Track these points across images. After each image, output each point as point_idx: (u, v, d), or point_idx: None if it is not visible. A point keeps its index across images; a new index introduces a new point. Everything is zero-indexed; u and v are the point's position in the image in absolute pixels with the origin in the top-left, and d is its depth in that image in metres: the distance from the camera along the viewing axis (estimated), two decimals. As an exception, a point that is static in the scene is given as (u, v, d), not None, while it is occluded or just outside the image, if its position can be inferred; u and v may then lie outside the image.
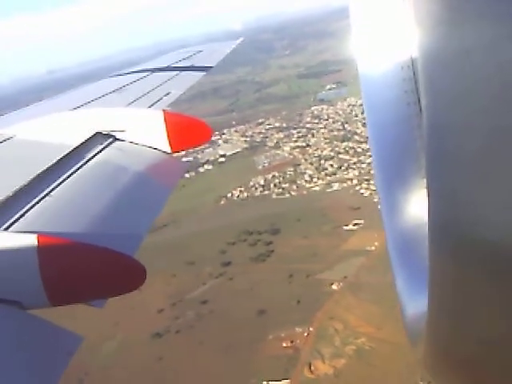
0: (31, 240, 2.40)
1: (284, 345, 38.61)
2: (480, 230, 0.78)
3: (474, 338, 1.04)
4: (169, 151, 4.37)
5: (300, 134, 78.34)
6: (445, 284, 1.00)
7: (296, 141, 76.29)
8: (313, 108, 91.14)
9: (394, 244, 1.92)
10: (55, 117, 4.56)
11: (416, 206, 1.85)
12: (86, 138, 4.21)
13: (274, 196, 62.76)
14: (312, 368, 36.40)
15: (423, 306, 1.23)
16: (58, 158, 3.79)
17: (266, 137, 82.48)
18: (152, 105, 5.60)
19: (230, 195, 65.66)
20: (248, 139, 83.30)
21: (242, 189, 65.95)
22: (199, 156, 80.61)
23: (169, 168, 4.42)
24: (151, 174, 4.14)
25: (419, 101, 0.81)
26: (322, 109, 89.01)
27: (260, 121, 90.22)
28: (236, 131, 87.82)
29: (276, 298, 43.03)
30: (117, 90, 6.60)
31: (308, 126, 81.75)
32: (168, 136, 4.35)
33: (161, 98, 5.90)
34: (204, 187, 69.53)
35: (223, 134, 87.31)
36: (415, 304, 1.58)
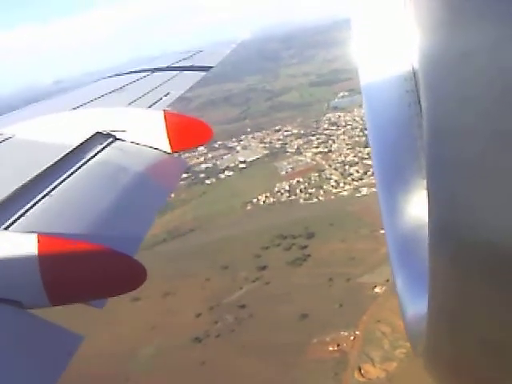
0: (31, 240, 2.39)
1: (330, 348, 38.14)
2: (480, 231, 0.78)
3: (473, 340, 1.04)
4: (169, 151, 4.37)
5: (320, 141, 78.24)
6: (445, 285, 1.00)
7: (317, 147, 76.17)
8: (329, 115, 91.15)
9: (394, 245, 1.92)
10: (55, 117, 4.57)
11: (416, 206, 1.84)
12: (85, 138, 4.20)
13: (301, 201, 62.46)
14: (362, 372, 35.93)
15: (423, 308, 1.23)
16: (58, 157, 3.79)
17: (286, 143, 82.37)
18: (152, 105, 5.57)
19: (255, 200, 65.35)
20: (267, 145, 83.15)
21: (268, 194, 65.65)
22: (218, 162, 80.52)
23: (169, 168, 4.43)
24: (151, 173, 4.14)
25: (420, 100, 0.75)
26: (339, 116, 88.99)
27: (277, 128, 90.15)
28: (253, 138, 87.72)
29: (317, 301, 42.62)
30: (117, 89, 6.58)
31: (326, 132, 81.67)
32: (168, 136, 4.35)
33: (161, 98, 5.88)
34: (227, 193, 69.25)
35: (241, 140, 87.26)
36: (415, 305, 1.58)
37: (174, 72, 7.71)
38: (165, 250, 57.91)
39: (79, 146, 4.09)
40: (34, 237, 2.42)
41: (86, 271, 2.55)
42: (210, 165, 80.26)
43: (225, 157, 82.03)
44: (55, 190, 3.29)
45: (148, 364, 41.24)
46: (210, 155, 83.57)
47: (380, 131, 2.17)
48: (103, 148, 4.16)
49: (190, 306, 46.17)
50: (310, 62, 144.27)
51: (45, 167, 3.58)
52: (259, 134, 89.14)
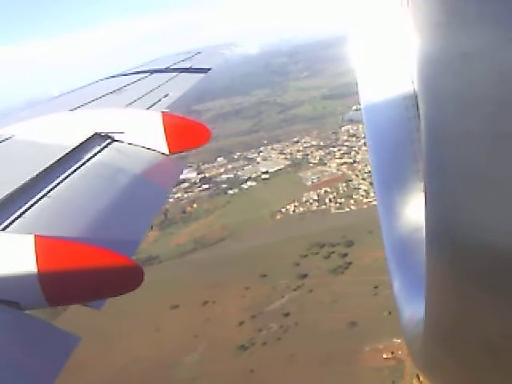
0: (29, 241, 2.39)
1: (384, 356, 37.65)
2: (476, 234, 0.79)
3: (470, 342, 1.05)
4: (167, 152, 4.37)
5: (342, 152, 78.32)
6: (441, 288, 1.01)
7: (341, 157, 76.21)
8: (346, 127, 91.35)
9: (392, 247, 1.93)
10: (54, 117, 4.55)
11: (413, 209, 1.84)
12: (84, 139, 4.19)
13: (332, 210, 62.28)
14: (421, 379, 35.41)
15: (420, 309, 1.25)
16: (57, 158, 3.77)
17: (307, 154, 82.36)
18: (151, 106, 5.56)
19: (284, 210, 65.13)
20: (288, 156, 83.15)
21: (296, 204, 65.45)
22: (239, 173, 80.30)
23: (167, 169, 4.42)
24: (149, 174, 4.13)
25: (417, 104, 0.80)
26: (358, 127, 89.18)
27: (295, 139, 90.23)
28: (273, 149, 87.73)
29: (364, 309, 42.19)
30: (115, 91, 6.64)
31: (347, 144, 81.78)
32: (166, 137, 4.36)
33: (159, 100, 5.88)
34: (253, 203, 68.96)
35: (260, 151, 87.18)
36: (412, 307, 1.58)
37: (173, 73, 7.70)
38: (197, 259, 57.46)
39: (77, 146, 4.06)
40: (32, 238, 2.40)
41: (83, 272, 2.52)
42: (231, 175, 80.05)
43: (245, 168, 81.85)
44: (53, 191, 3.27)
45: (194, 371, 40.63)
46: (230, 166, 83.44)
47: (378, 134, 2.15)
48: (101, 149, 4.15)
49: (231, 314, 45.65)
50: (319, 76, 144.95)
51: (43, 168, 3.55)
52: (278, 145, 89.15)
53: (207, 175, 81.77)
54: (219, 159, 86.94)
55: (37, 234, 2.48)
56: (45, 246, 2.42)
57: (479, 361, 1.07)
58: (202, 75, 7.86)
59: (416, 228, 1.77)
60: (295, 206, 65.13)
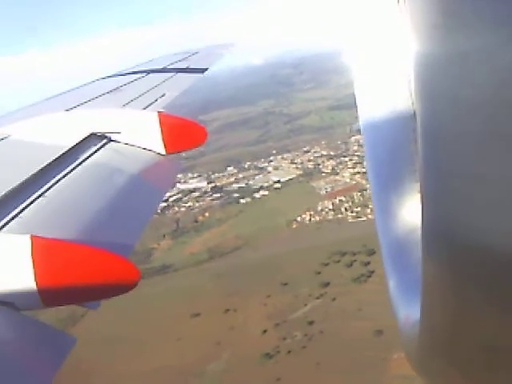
0: (25, 241, 2.40)
1: (413, 364, 37.47)
2: (473, 235, 0.79)
3: (466, 343, 1.05)
4: (163, 153, 4.37)
5: (354, 161, 78.49)
6: (437, 289, 1.01)
7: (353, 167, 76.35)
8: (356, 137, 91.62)
9: (388, 248, 1.93)
10: (50, 117, 4.55)
11: (410, 209, 1.84)
12: (80, 139, 4.19)
13: (349, 219, 62.28)
14: None
15: (416, 311, 1.25)
16: (53, 158, 3.78)
17: (318, 164, 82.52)
18: (147, 106, 5.56)
19: (299, 219, 65.11)
20: (299, 166, 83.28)
21: (312, 213, 65.43)
22: (250, 182, 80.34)
23: (163, 170, 4.43)
24: (145, 175, 4.13)
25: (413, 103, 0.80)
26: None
27: (305, 149, 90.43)
28: (283, 158, 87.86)
29: (390, 317, 41.45)
30: (112, 91, 6.58)
31: (358, 153, 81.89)
32: (162, 137, 4.36)
33: (156, 100, 5.87)
34: (266, 212, 68.93)
35: (271, 161, 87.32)
36: (408, 309, 1.59)
37: (170, 73, 7.70)
38: (214, 267, 57.31)
39: (74, 147, 4.06)
40: (28, 238, 2.40)
41: (79, 273, 2.53)
42: (242, 185, 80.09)
43: (256, 177, 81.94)
44: (49, 191, 3.27)
45: (219, 380, 40.40)
46: (240, 175, 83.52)
47: (374, 134, 2.16)
48: (97, 149, 4.15)
49: (253, 323, 45.47)
50: (324, 87, 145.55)
51: (39, 168, 3.55)
52: (288, 154, 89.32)
53: (218, 184, 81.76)
54: (229, 168, 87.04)
55: (33, 234, 2.48)
56: (41, 246, 2.43)
57: (475, 363, 1.08)
58: (200, 75, 7.88)
59: (412, 229, 1.76)
60: (311, 215, 65.11)
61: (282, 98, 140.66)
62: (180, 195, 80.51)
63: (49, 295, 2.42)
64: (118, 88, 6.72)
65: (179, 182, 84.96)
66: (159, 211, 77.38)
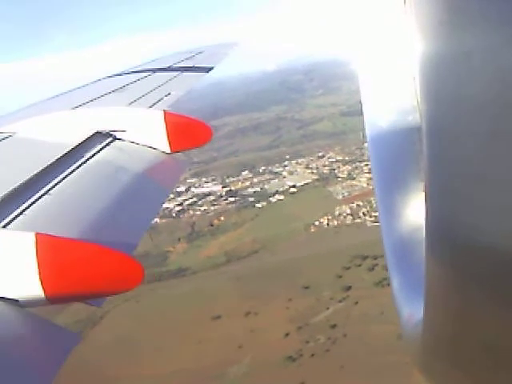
0: (29, 238, 2.40)
1: (439, 368, 37.14)
2: (477, 234, 0.79)
3: (470, 343, 1.06)
4: (168, 151, 4.37)
5: (370, 167, 78.18)
6: (441, 288, 1.02)
7: (370, 172, 75.24)
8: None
9: (391, 247, 1.93)
10: (55, 115, 4.57)
11: (414, 208, 1.83)
12: (85, 137, 4.20)
13: (368, 224, 61.92)
14: None
15: (419, 310, 1.26)
16: (58, 156, 3.79)
17: (333, 169, 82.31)
18: (153, 105, 5.57)
19: (317, 223, 64.85)
20: (314, 171, 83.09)
21: (330, 217, 65.18)
22: (266, 187, 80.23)
23: (168, 168, 4.43)
24: (150, 173, 4.15)
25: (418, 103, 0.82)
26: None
27: (320, 154, 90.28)
28: (297, 163, 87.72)
29: (414, 322, 41.71)
30: (117, 89, 6.59)
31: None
32: (168, 136, 4.35)
33: (161, 99, 5.88)
34: (283, 216, 68.72)
35: (285, 166, 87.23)
36: (411, 307, 1.58)
37: (175, 72, 7.69)
38: (233, 271, 57.12)
39: (79, 145, 4.07)
40: (32, 235, 2.41)
41: (83, 270, 2.54)
42: (257, 189, 79.94)
43: (271, 181, 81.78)
44: (54, 189, 3.29)
45: (241, 382, 40.10)
46: (255, 180, 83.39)
47: (378, 133, 2.15)
48: (103, 147, 4.15)
49: (275, 326, 45.18)
50: (335, 94, 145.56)
51: (44, 166, 3.56)
52: (302, 160, 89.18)
53: (233, 188, 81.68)
54: (244, 173, 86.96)
55: (37, 231, 2.47)
56: (45, 243, 2.43)
57: (478, 362, 1.07)
58: (205, 74, 7.88)
59: (416, 228, 1.75)
60: (328, 220, 64.84)
61: (293, 103, 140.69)
62: (195, 199, 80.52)
63: (53, 292, 2.42)
64: (123, 87, 6.74)
65: (194, 186, 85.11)
66: (174, 215, 77.56)
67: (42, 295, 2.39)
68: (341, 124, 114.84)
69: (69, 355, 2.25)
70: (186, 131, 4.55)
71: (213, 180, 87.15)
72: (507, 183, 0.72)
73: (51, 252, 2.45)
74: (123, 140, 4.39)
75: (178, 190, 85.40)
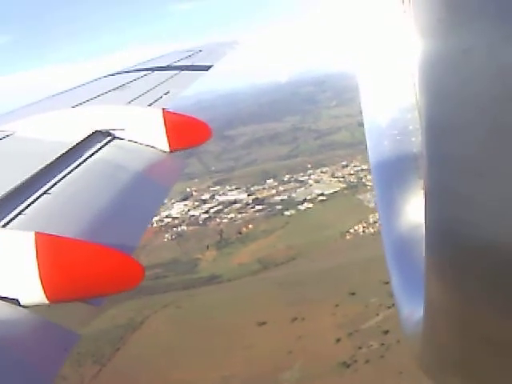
0: (29, 238, 2.39)
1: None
2: (477, 232, 0.80)
3: (470, 341, 1.06)
4: (167, 150, 4.37)
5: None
6: (441, 286, 1.02)
7: (399, 181, 75.99)
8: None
9: (391, 244, 1.93)
10: (55, 114, 4.57)
11: (413, 206, 1.83)
12: (84, 136, 4.21)
13: (406, 231, 61.72)
14: None
15: (419, 307, 1.27)
16: (57, 155, 3.79)
17: (361, 177, 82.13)
18: (152, 103, 5.57)
19: (352, 230, 64.48)
20: (341, 180, 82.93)
21: (365, 224, 64.83)
22: (293, 195, 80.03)
23: (167, 167, 4.42)
24: (149, 172, 4.13)
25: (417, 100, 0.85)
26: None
27: (344, 163, 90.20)
28: (322, 172, 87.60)
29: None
30: (117, 88, 6.57)
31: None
32: (167, 135, 4.34)
33: (160, 97, 5.89)
34: (315, 224, 68.40)
35: (311, 174, 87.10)
36: (411, 305, 1.59)
37: (174, 71, 7.68)
38: (271, 277, 56.67)
39: (78, 144, 4.07)
40: (32, 235, 2.39)
41: (83, 269, 2.53)
42: (284, 197, 79.72)
43: (298, 190, 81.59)
44: (54, 188, 3.28)
45: (296, 389, 39.54)
46: (281, 188, 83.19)
47: (377, 130, 2.15)
48: (102, 146, 4.16)
49: (324, 332, 44.67)
50: (349, 105, 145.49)
51: (44, 165, 3.55)
52: (327, 168, 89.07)
53: (259, 196, 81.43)
54: (269, 181, 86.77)
55: (37, 231, 2.47)
56: (45, 242, 2.41)
57: (479, 359, 1.07)
58: (204, 72, 7.82)
59: (416, 225, 1.74)
60: (364, 227, 64.47)
61: (307, 114, 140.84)
62: (220, 207, 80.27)
63: (53, 292, 2.40)
64: (122, 85, 6.72)
65: (218, 194, 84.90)
66: (200, 222, 77.22)
67: (42, 294, 2.37)
68: (359, 134, 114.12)
69: (69, 354, 2.25)
70: (185, 130, 4.52)
71: (237, 188, 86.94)
72: (507, 180, 0.71)
73: (51, 251, 2.43)
74: (122, 139, 4.36)
75: (203, 197, 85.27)
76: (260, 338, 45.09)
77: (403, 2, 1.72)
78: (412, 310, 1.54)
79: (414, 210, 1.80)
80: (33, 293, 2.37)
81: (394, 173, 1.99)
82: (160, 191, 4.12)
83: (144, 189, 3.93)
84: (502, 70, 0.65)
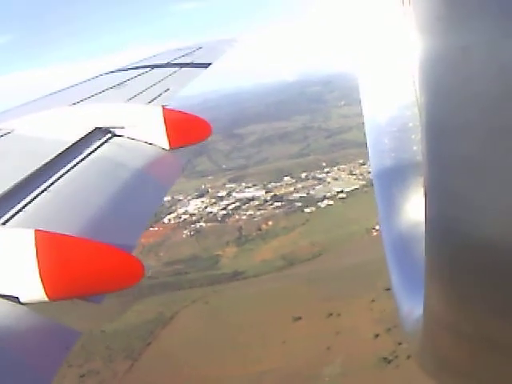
0: (29, 235, 2.40)
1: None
2: (477, 229, 0.81)
3: (469, 337, 1.06)
4: (167, 147, 4.37)
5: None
6: (440, 283, 1.02)
7: (420, 178, 75.85)
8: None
9: (391, 242, 1.94)
10: (54, 112, 4.57)
11: (413, 204, 1.83)
12: (84, 134, 4.22)
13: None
14: None
15: (419, 305, 1.28)
16: (57, 153, 3.79)
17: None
18: (151, 101, 5.58)
19: (378, 227, 63.90)
20: (360, 177, 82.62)
21: (390, 221, 64.50)
22: (312, 192, 79.64)
23: (167, 164, 4.44)
24: (149, 169, 4.15)
25: (418, 98, 0.88)
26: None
27: (361, 161, 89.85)
28: (339, 170, 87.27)
29: None
30: (116, 85, 6.60)
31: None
32: (166, 132, 4.35)
33: (160, 94, 5.90)
34: (337, 220, 68.01)
35: (328, 172, 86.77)
36: (411, 303, 1.58)
37: (174, 68, 7.68)
38: (299, 273, 56.23)
39: (78, 141, 4.07)
40: (32, 232, 2.40)
41: (83, 267, 2.53)
42: (303, 194, 79.29)
43: (316, 187, 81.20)
44: (53, 186, 3.28)
45: (339, 383, 39.08)
46: (299, 185, 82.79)
47: (377, 128, 2.12)
48: (102, 144, 4.17)
49: (362, 327, 44.22)
50: (358, 104, 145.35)
51: (43, 162, 3.56)
52: (343, 166, 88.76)
53: (277, 194, 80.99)
54: (286, 178, 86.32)
55: (37, 228, 2.47)
56: (45, 240, 2.42)
57: (478, 357, 1.07)
58: (203, 69, 7.80)
59: (416, 223, 1.73)
60: (389, 224, 64.15)
61: (316, 114, 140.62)
62: (238, 204, 79.79)
63: (52, 289, 2.40)
64: (122, 83, 6.70)
65: (235, 191, 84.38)
66: (219, 219, 76.66)
67: (42, 292, 2.37)
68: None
69: (69, 352, 2.25)
70: (185, 127, 4.51)
71: (254, 185, 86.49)
72: (506, 178, 0.71)
73: (51, 249, 2.43)
74: (122, 136, 4.36)
75: (219, 194, 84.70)
76: (296, 333, 44.59)
77: (403, 2, 1.71)
78: (412, 308, 1.53)
79: (413, 208, 1.79)
80: (33, 290, 2.36)
81: (394, 170, 1.96)
82: (160, 188, 4.11)
83: (144, 186, 3.93)
84: (501, 68, 0.65)
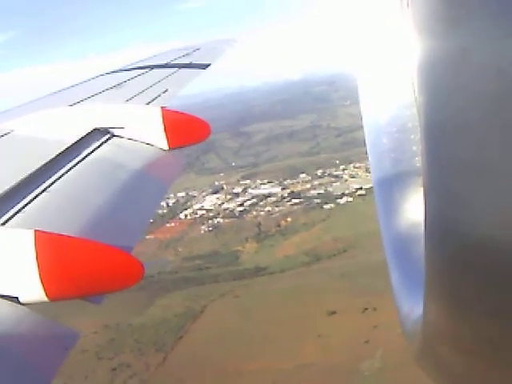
0: (28, 236, 2.39)
1: None
2: (476, 229, 0.81)
3: (469, 338, 1.07)
4: (166, 148, 4.38)
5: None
6: (440, 283, 1.03)
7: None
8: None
9: (390, 242, 1.95)
10: (53, 112, 4.56)
11: (412, 203, 1.83)
12: (83, 134, 4.22)
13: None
14: None
15: (419, 305, 1.28)
16: (56, 153, 3.79)
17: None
18: (150, 101, 5.59)
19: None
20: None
21: (414, 217, 64.36)
22: (330, 189, 79.41)
23: (166, 165, 4.46)
24: (149, 170, 4.16)
25: (416, 98, 0.88)
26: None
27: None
28: (355, 167, 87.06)
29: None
30: (115, 86, 6.60)
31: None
32: (165, 133, 4.36)
33: (159, 95, 5.91)
34: (358, 216, 67.61)
35: (345, 169, 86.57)
36: (411, 303, 1.58)
37: (173, 69, 7.67)
38: (328, 268, 55.88)
39: (77, 142, 4.08)
40: (31, 232, 2.40)
41: (83, 267, 2.53)
42: (321, 191, 79.02)
43: (334, 184, 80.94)
44: (53, 186, 3.29)
45: (381, 378, 38.69)
46: (315, 182, 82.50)
47: (376, 128, 2.12)
48: (100, 144, 4.17)
49: (396, 322, 43.88)
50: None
51: (42, 163, 3.57)
52: (360, 164, 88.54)
53: (294, 190, 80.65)
54: (301, 175, 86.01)
55: (36, 228, 2.47)
56: (44, 240, 2.41)
57: (479, 357, 1.07)
58: (202, 70, 7.78)
59: (415, 223, 1.73)
60: (414, 220, 64.01)
61: (323, 112, 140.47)
62: (255, 200, 79.40)
63: (52, 289, 2.40)
64: (120, 83, 6.68)
65: (251, 188, 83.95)
66: (237, 215, 76.21)
67: (42, 292, 2.36)
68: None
69: (68, 353, 2.23)
70: (184, 127, 4.53)
71: (269, 182, 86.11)
72: (505, 177, 0.71)
73: (50, 249, 2.43)
74: (121, 137, 4.36)
75: (235, 191, 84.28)
76: (332, 327, 44.19)
77: (402, 2, 1.69)
78: (411, 308, 1.51)
79: (413, 208, 1.77)
80: (32, 291, 2.35)
81: (393, 170, 1.94)
82: (159, 189, 4.12)
83: (143, 187, 3.94)
84: (500, 69, 0.65)
